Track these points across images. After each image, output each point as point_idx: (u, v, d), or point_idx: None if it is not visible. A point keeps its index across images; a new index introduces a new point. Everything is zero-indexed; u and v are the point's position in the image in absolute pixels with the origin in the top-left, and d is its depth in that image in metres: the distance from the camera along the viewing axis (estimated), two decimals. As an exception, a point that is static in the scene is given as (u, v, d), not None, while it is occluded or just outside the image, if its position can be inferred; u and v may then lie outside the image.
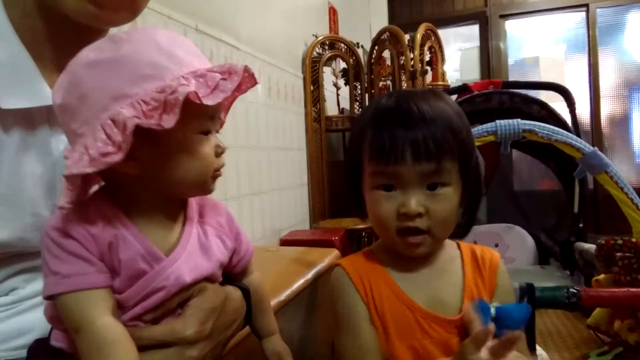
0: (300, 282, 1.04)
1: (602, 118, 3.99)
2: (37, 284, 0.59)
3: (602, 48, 3.98)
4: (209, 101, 0.45)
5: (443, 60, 2.99)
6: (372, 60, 2.93)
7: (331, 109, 2.88)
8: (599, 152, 1.38)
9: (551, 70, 4.11)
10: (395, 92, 0.62)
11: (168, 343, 0.49)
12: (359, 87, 2.91)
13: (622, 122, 4.01)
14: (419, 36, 2.70)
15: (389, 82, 2.91)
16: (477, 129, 1.43)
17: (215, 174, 0.52)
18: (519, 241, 2.12)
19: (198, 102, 0.44)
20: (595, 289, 1.14)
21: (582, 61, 4.04)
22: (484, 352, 0.51)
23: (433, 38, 2.90)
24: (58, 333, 0.51)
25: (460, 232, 0.64)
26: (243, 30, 1.90)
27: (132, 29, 0.50)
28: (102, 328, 0.45)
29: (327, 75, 2.82)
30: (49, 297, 0.47)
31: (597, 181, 1.41)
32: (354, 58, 2.87)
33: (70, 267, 0.46)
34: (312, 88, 2.65)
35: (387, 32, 2.87)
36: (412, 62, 2.67)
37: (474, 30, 4.41)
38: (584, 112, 3.90)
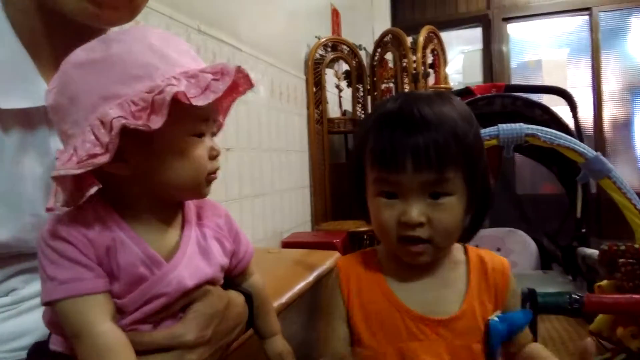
0: (301, 285, 1.03)
1: (604, 122, 3.99)
2: (36, 285, 0.58)
3: (604, 52, 3.97)
4: (199, 102, 0.44)
5: (445, 63, 3.00)
6: (375, 63, 2.93)
7: (333, 111, 2.88)
8: (601, 157, 1.37)
9: (554, 73, 4.11)
10: (401, 95, 0.61)
11: (168, 347, 0.48)
12: (361, 89, 2.91)
13: (625, 126, 4.00)
14: (421, 39, 2.70)
15: (391, 85, 2.91)
16: (479, 133, 1.42)
17: (210, 177, 0.51)
18: (521, 245, 2.11)
19: (187, 102, 0.43)
20: (598, 295, 1.13)
21: (585, 65, 4.03)
22: None
23: (435, 41, 2.90)
24: (57, 337, 0.51)
25: (464, 237, 0.62)
26: (246, 32, 1.89)
27: (125, 29, 0.49)
28: (101, 334, 0.44)
29: (330, 77, 2.82)
30: (47, 304, 0.46)
31: (600, 186, 1.40)
32: (357, 60, 2.87)
33: (68, 273, 0.45)
34: (314, 90, 2.66)
35: (389, 35, 2.87)
36: (414, 65, 2.67)
37: (476, 33, 4.41)
38: (586, 116, 3.89)
